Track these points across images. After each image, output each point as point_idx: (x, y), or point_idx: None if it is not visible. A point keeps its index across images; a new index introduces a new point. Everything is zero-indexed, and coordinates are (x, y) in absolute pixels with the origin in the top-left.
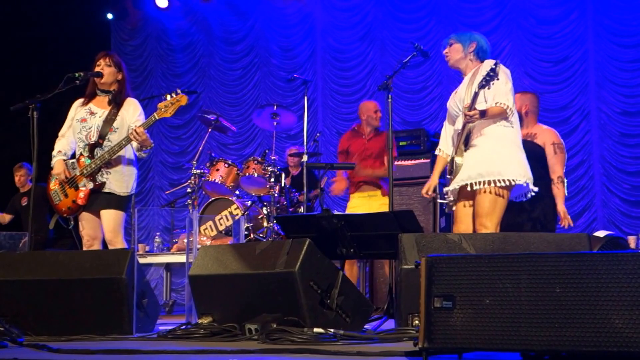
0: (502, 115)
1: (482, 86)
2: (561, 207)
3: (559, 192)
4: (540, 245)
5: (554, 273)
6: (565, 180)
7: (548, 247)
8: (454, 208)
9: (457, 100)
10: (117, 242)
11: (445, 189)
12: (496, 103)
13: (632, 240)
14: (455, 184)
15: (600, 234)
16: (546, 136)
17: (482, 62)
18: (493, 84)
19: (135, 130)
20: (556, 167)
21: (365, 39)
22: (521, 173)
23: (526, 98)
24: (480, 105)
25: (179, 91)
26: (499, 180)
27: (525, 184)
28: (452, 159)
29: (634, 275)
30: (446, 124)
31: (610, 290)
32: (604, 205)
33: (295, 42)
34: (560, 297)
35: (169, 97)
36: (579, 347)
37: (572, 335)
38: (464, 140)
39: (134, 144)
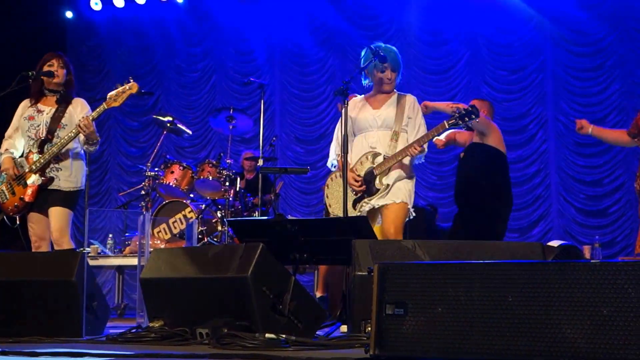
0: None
1: (456, 125)
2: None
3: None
4: (494, 253)
5: (506, 282)
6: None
7: (502, 256)
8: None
9: (377, 117)
10: (64, 242)
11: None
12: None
13: (586, 250)
14: (379, 202)
15: (555, 243)
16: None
17: (394, 90)
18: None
19: (82, 121)
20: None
21: (325, 44)
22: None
23: (485, 105)
24: (402, 134)
25: (130, 79)
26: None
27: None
28: (370, 177)
29: (586, 285)
30: (339, 129)
31: (562, 300)
32: (560, 214)
33: (253, 46)
34: (513, 306)
35: (119, 86)
36: (530, 357)
37: (523, 345)
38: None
39: (81, 137)
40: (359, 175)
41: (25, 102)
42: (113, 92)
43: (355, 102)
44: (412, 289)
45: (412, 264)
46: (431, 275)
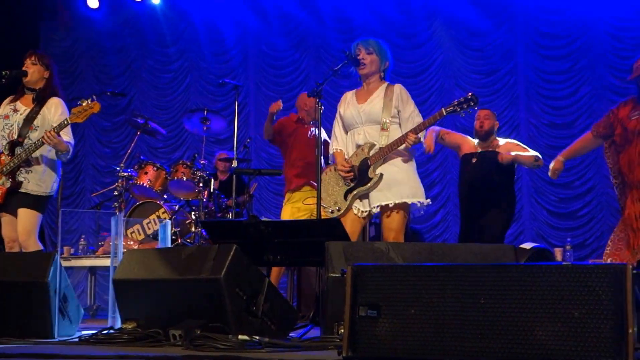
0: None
1: (454, 113)
2: (506, 155)
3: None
4: (467, 256)
5: (479, 284)
6: (540, 160)
7: (474, 258)
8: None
9: (361, 112)
10: (30, 244)
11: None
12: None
13: (558, 253)
14: (380, 202)
15: (527, 246)
16: (508, 146)
17: (383, 80)
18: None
19: (46, 132)
20: (532, 152)
21: (300, 46)
22: (420, 194)
23: (494, 116)
24: (394, 126)
25: (94, 97)
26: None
27: (418, 204)
28: (365, 166)
29: (557, 287)
30: (340, 128)
31: (533, 302)
32: (532, 217)
33: (228, 47)
34: (485, 308)
35: (84, 103)
36: (502, 358)
37: (495, 347)
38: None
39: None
40: (347, 164)
41: (7, 100)
42: (76, 109)
43: (346, 98)
44: (386, 291)
45: (385, 266)
46: (404, 278)
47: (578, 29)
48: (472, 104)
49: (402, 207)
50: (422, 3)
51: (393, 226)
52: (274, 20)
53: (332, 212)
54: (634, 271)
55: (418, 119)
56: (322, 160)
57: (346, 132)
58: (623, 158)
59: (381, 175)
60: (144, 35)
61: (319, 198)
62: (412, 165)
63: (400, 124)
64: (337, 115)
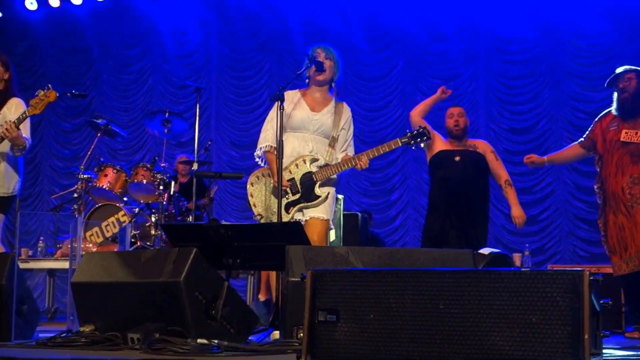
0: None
1: (407, 145)
2: (517, 211)
3: (511, 194)
4: (426, 261)
5: (437, 289)
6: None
7: (434, 263)
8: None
9: (315, 120)
10: None
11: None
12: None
13: (517, 258)
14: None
15: (485, 251)
16: (484, 146)
17: (331, 95)
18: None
19: (4, 125)
20: (501, 171)
21: (263, 49)
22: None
23: (465, 114)
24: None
25: (49, 87)
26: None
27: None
28: (310, 182)
29: (515, 293)
30: (276, 126)
31: (492, 307)
32: (491, 222)
33: (191, 49)
34: (443, 313)
35: (40, 93)
36: None
37: (453, 352)
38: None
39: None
40: (288, 181)
41: None
42: (33, 100)
43: (291, 96)
44: (345, 296)
45: (344, 271)
46: (363, 282)
47: (538, 35)
48: (425, 138)
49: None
50: (386, 7)
51: (316, 230)
52: (237, 23)
53: (260, 217)
54: (591, 277)
55: (351, 142)
56: None
57: (286, 131)
58: (604, 169)
59: (328, 193)
60: (106, 36)
61: (280, 203)
62: (336, 184)
63: (337, 143)
64: (278, 110)
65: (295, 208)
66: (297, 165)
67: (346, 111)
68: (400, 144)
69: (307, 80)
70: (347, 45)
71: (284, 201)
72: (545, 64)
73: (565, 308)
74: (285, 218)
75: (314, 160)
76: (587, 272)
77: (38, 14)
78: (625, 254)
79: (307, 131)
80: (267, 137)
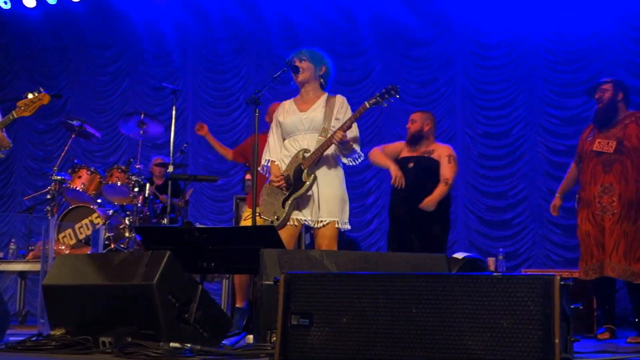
0: (353, 147)
1: (377, 104)
2: (428, 198)
3: (437, 190)
4: (400, 265)
5: (410, 293)
6: (449, 184)
7: (408, 267)
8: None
9: (304, 119)
10: None
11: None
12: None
13: (491, 263)
14: (306, 217)
15: (459, 255)
16: (442, 150)
17: (323, 89)
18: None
19: None
20: (445, 172)
21: (241, 52)
22: (345, 220)
23: (427, 117)
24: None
25: (41, 90)
26: (338, 222)
27: (341, 225)
28: (299, 172)
29: (487, 297)
30: (275, 138)
31: (464, 311)
32: (466, 226)
33: (168, 51)
34: (416, 317)
35: (30, 95)
36: None
37: (426, 355)
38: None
39: None
40: (282, 175)
41: None
42: (23, 102)
43: (284, 106)
44: (318, 300)
45: (318, 274)
46: (337, 286)
47: (514, 41)
48: (393, 92)
49: (333, 222)
50: (364, 11)
51: (328, 234)
52: (215, 25)
53: (271, 222)
54: (562, 282)
55: (355, 130)
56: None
57: (282, 141)
58: (581, 178)
59: (315, 176)
60: (82, 36)
61: (254, 205)
62: (343, 181)
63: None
64: (274, 124)
65: (290, 200)
66: (291, 163)
67: (338, 101)
68: (368, 106)
69: (297, 85)
70: (325, 48)
71: (281, 197)
72: (521, 70)
73: (537, 312)
74: (282, 213)
75: (306, 151)
76: (558, 277)
77: (13, 13)
78: (591, 261)
79: (300, 132)
80: (267, 150)
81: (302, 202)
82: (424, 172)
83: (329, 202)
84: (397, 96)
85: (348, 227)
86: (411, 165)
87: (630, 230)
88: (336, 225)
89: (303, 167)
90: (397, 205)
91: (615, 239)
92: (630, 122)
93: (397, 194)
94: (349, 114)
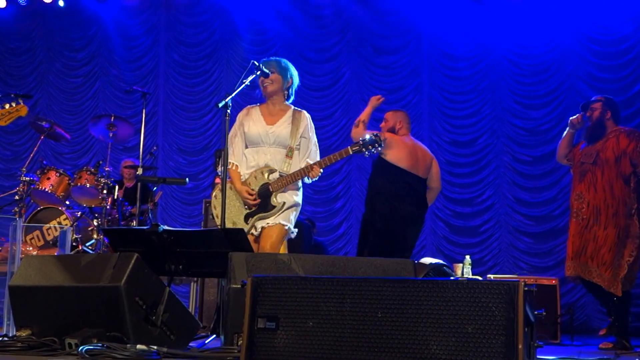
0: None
1: (359, 153)
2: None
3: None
4: (367, 270)
5: (377, 298)
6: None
7: (375, 272)
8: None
9: (270, 133)
10: None
11: (257, 223)
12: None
13: (458, 268)
14: (267, 222)
15: (426, 260)
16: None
17: (287, 101)
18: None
19: None
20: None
21: (212, 56)
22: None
23: (398, 115)
24: (296, 152)
25: (20, 101)
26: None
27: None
28: (267, 193)
29: (452, 302)
30: (239, 141)
31: (429, 316)
32: (433, 232)
33: (139, 54)
34: (382, 322)
35: (7, 106)
36: None
37: None
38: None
39: None
40: (252, 190)
41: None
42: (0, 111)
43: (250, 114)
44: (285, 303)
45: (284, 278)
46: (303, 290)
47: (480, 53)
48: (377, 145)
49: (280, 226)
50: (334, 19)
51: (272, 234)
52: (186, 30)
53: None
54: (526, 288)
55: (315, 149)
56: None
57: (246, 147)
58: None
59: (284, 203)
60: (52, 38)
61: (223, 210)
62: (300, 193)
63: (299, 152)
64: (239, 129)
65: (254, 219)
66: (255, 177)
67: (304, 119)
68: (350, 152)
69: (263, 95)
70: (295, 54)
71: (244, 212)
72: (487, 81)
73: (500, 318)
74: (243, 226)
75: (272, 171)
76: (522, 283)
77: None
78: (573, 258)
79: (265, 144)
80: (231, 153)
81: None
82: (384, 175)
83: (289, 211)
84: (380, 149)
85: (293, 234)
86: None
87: (600, 235)
88: (284, 228)
89: (272, 190)
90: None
91: (584, 241)
92: (613, 137)
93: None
94: (314, 134)
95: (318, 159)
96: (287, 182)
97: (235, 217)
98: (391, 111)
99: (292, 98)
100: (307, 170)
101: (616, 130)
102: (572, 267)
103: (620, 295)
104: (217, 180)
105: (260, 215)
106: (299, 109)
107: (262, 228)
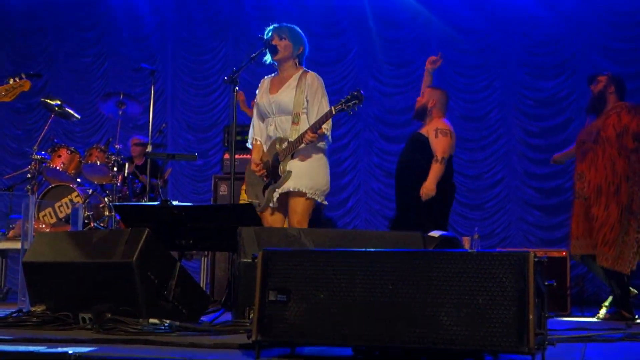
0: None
1: (342, 111)
2: (426, 184)
3: (432, 170)
4: (377, 242)
5: (387, 270)
6: (443, 159)
7: (384, 244)
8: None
9: (272, 103)
10: None
11: (272, 195)
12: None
13: (466, 241)
14: (281, 190)
15: (436, 233)
16: (430, 125)
17: (299, 67)
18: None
19: None
20: (436, 147)
21: (219, 33)
22: (319, 192)
23: (434, 94)
24: (304, 116)
25: (23, 76)
26: (312, 194)
27: (317, 198)
28: (276, 163)
29: (462, 274)
30: (257, 116)
31: (440, 287)
32: None
33: (147, 32)
34: (392, 293)
35: (11, 81)
36: (408, 343)
37: (401, 332)
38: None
39: None
40: (260, 161)
41: None
42: (4, 87)
43: (262, 84)
44: (296, 276)
45: (295, 251)
46: (314, 262)
47: (492, 25)
48: (357, 102)
49: (303, 194)
50: None
51: (298, 209)
52: (193, 7)
53: (254, 205)
54: (536, 259)
55: (322, 110)
56: None
57: (262, 121)
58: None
59: (289, 172)
60: (61, 18)
61: (232, 185)
62: (321, 159)
63: (307, 116)
64: (255, 103)
65: (268, 190)
66: (270, 149)
67: (309, 80)
68: (334, 112)
69: (275, 66)
70: (303, 29)
71: (262, 183)
72: (497, 54)
73: (511, 289)
74: (262, 199)
75: (283, 140)
76: (532, 254)
77: None
78: (578, 238)
79: (270, 115)
80: (251, 129)
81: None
82: (415, 147)
83: (299, 177)
84: (361, 105)
85: (323, 202)
86: (408, 142)
87: (600, 215)
88: (310, 196)
89: (280, 159)
90: (398, 186)
91: (585, 222)
92: (614, 113)
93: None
94: (319, 94)
95: (329, 126)
96: (289, 150)
97: (258, 191)
98: (430, 87)
99: (302, 64)
100: (301, 137)
101: (618, 107)
102: (577, 247)
103: (628, 273)
104: (226, 156)
105: (273, 186)
106: (307, 71)
107: (279, 199)
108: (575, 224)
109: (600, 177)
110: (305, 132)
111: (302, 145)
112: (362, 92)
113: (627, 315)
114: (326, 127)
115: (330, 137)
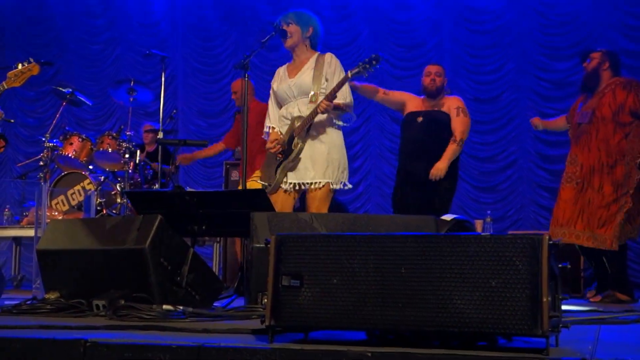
0: (346, 111)
1: (359, 74)
2: (438, 164)
3: (448, 150)
4: (389, 226)
5: (400, 254)
6: (461, 141)
7: (397, 228)
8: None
9: (292, 86)
10: None
11: (282, 176)
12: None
13: (478, 225)
14: (298, 180)
15: (448, 217)
16: (451, 102)
17: (314, 49)
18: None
19: None
20: (457, 126)
21: (229, 18)
22: (341, 180)
23: (444, 71)
24: (322, 96)
25: (31, 60)
26: (332, 183)
27: (340, 186)
28: (292, 141)
29: (476, 257)
30: (274, 105)
31: (453, 271)
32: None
33: (157, 18)
34: (406, 277)
35: (20, 66)
36: (421, 326)
37: (415, 315)
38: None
39: None
40: (276, 140)
41: None
42: (13, 72)
43: (278, 73)
44: (308, 261)
45: (308, 235)
46: (327, 247)
47: (505, 5)
48: (375, 63)
49: (326, 184)
50: None
51: (317, 196)
52: None
53: (266, 187)
54: (550, 242)
55: (346, 91)
56: None
57: (279, 108)
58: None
59: (301, 146)
60: (71, 5)
61: (244, 170)
62: (338, 142)
63: (320, 98)
64: (271, 92)
65: (281, 168)
66: (288, 130)
67: (327, 59)
68: (350, 76)
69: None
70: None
71: (275, 164)
72: (512, 34)
73: (525, 272)
74: (274, 179)
75: (300, 118)
76: (546, 236)
77: None
78: (564, 225)
79: (290, 99)
80: (267, 117)
81: (295, 167)
82: (434, 125)
83: (317, 164)
84: (379, 66)
85: (345, 186)
86: (420, 119)
87: (594, 198)
88: (330, 186)
89: (294, 135)
90: (400, 162)
91: (579, 207)
92: (609, 91)
93: (405, 150)
94: (338, 72)
95: (348, 97)
96: (305, 123)
97: (271, 172)
98: (438, 66)
99: (317, 48)
100: (317, 107)
101: (612, 83)
102: (560, 234)
103: (616, 249)
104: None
105: (284, 163)
106: (324, 53)
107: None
108: (561, 211)
109: (594, 159)
110: (321, 101)
111: (319, 117)
112: (379, 53)
113: (622, 297)
114: (344, 102)
115: (353, 115)
